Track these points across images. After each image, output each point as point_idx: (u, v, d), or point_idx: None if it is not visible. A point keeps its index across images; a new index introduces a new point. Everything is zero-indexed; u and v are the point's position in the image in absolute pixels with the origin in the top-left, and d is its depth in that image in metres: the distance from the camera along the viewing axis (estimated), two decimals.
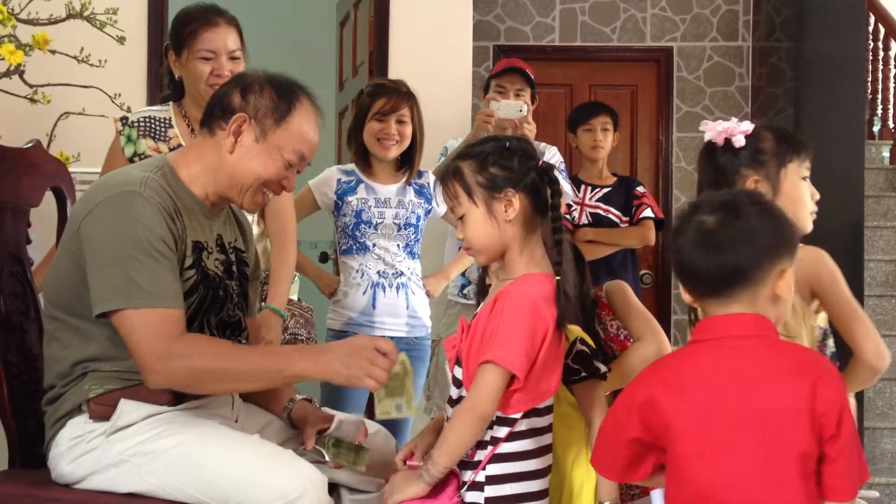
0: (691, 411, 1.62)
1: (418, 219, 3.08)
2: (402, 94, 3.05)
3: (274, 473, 1.78)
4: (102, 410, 1.90)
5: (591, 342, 2.09)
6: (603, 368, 2.06)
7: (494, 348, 1.79)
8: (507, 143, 1.90)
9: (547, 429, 1.92)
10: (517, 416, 1.84)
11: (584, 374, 2.04)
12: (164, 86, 2.83)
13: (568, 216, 3.78)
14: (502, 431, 1.84)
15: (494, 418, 1.84)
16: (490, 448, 1.84)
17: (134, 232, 1.84)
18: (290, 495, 1.75)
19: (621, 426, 1.70)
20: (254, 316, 2.25)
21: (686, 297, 1.72)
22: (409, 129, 3.05)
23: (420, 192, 3.11)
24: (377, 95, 3.06)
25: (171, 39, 2.63)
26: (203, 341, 1.90)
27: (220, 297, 2.03)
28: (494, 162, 1.88)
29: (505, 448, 1.85)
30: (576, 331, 2.07)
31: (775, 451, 1.57)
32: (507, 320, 1.80)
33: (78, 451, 1.90)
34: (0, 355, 2.10)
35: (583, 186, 3.96)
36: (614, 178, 4.03)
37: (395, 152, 3.05)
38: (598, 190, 3.96)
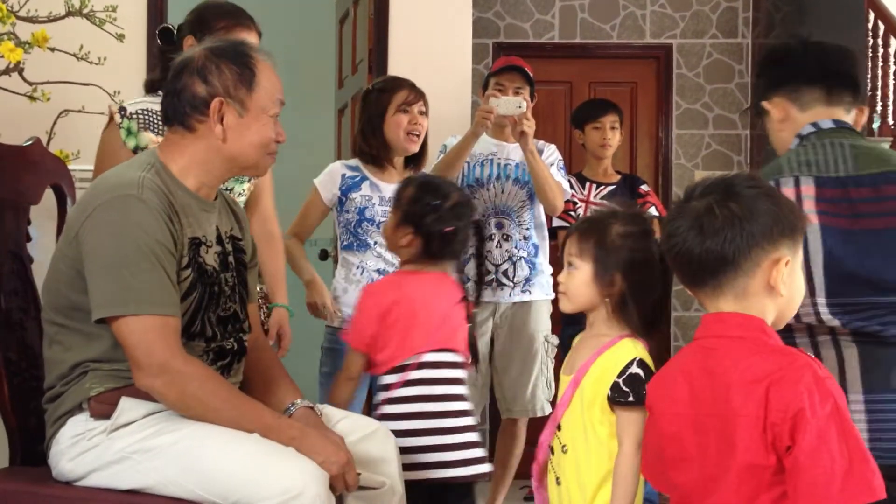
0: (674, 415, 1.58)
1: None
2: (416, 88, 3.04)
3: (275, 469, 1.78)
4: (103, 408, 1.90)
5: (652, 365, 1.94)
6: None
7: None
8: (437, 185, 2.40)
9: (430, 398, 2.32)
10: (389, 381, 2.33)
11: (630, 398, 1.89)
12: (157, 69, 2.72)
13: (573, 213, 3.79)
14: (381, 396, 2.35)
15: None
16: (378, 411, 2.34)
17: (133, 237, 1.84)
18: (291, 491, 1.75)
19: None
20: (255, 303, 2.25)
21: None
22: (427, 122, 3.03)
23: None
24: (397, 88, 3.04)
25: (194, 24, 2.56)
26: (206, 375, 1.89)
27: (216, 293, 2.02)
28: (414, 194, 2.35)
29: (385, 409, 2.33)
30: (637, 349, 1.95)
31: (725, 461, 1.48)
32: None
33: (79, 448, 1.90)
34: (0, 353, 2.10)
35: (587, 184, 3.97)
36: (618, 176, 4.04)
37: (418, 145, 3.04)
38: (602, 188, 3.97)
